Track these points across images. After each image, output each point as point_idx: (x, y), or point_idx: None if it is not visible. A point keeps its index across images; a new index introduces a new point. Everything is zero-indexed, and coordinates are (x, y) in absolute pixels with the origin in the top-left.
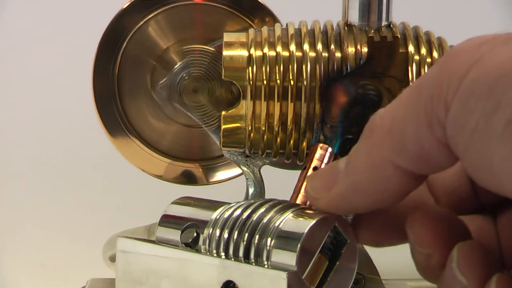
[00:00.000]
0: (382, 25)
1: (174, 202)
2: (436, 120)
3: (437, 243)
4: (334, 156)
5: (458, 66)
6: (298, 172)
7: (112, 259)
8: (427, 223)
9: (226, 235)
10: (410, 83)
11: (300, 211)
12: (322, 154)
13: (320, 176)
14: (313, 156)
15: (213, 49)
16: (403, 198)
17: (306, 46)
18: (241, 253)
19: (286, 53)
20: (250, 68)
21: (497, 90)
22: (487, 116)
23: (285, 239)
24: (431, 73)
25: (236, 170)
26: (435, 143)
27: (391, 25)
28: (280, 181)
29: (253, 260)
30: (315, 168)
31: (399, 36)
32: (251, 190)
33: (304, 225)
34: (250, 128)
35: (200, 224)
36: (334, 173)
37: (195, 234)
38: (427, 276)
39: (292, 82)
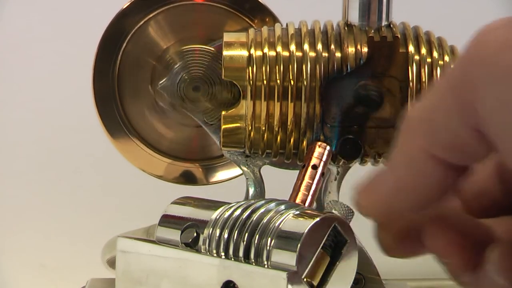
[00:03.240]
0: (382, 25)
1: (174, 202)
2: (467, 107)
3: (458, 251)
4: (334, 156)
5: (490, 50)
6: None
7: (110, 263)
8: (444, 234)
9: (226, 235)
10: (410, 83)
11: (300, 211)
12: (320, 152)
13: (367, 183)
14: (312, 154)
15: (213, 49)
16: (446, 192)
17: (306, 46)
18: (241, 253)
19: (286, 53)
20: (250, 68)
21: None
22: None
23: (285, 239)
24: (461, 59)
25: (236, 170)
26: (468, 130)
27: (391, 25)
28: (280, 181)
29: (253, 260)
30: (314, 166)
31: (399, 36)
32: (251, 190)
33: (304, 225)
34: (250, 128)
35: (200, 224)
36: (379, 176)
37: (195, 234)
38: (457, 280)
39: (292, 82)
